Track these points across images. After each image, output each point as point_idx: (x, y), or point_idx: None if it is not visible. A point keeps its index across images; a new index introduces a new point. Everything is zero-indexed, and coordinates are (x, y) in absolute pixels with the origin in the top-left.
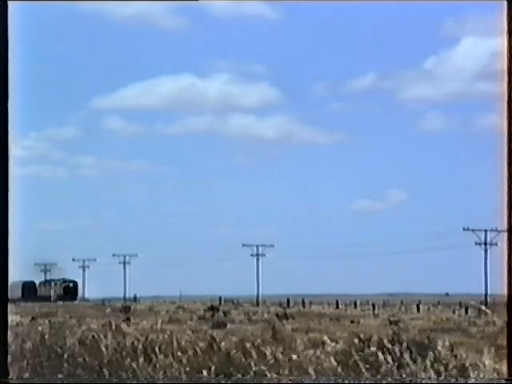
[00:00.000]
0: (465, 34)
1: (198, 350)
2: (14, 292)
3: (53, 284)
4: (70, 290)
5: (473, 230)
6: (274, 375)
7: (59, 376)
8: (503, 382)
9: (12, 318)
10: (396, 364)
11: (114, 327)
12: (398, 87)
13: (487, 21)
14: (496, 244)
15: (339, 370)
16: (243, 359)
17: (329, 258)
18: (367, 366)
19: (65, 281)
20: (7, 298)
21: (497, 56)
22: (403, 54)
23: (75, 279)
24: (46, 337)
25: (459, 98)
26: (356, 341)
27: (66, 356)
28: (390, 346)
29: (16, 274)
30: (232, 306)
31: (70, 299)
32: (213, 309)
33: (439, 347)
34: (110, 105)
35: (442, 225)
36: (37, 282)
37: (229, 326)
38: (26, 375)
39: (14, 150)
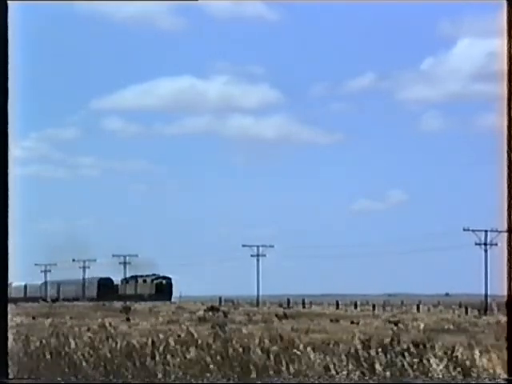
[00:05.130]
0: (461, 34)
1: None
2: (88, 290)
3: (140, 281)
4: (163, 288)
5: (473, 231)
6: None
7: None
8: (503, 382)
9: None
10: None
11: None
12: (396, 88)
13: (483, 21)
14: (496, 244)
15: None
16: None
17: (329, 258)
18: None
19: (157, 277)
20: (7, 298)
21: (493, 57)
22: (401, 55)
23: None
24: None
25: (457, 98)
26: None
27: None
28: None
29: (16, 275)
30: (232, 306)
31: (162, 298)
32: (213, 309)
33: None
34: (110, 105)
35: (441, 225)
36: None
37: (228, 326)
38: None
39: (14, 151)
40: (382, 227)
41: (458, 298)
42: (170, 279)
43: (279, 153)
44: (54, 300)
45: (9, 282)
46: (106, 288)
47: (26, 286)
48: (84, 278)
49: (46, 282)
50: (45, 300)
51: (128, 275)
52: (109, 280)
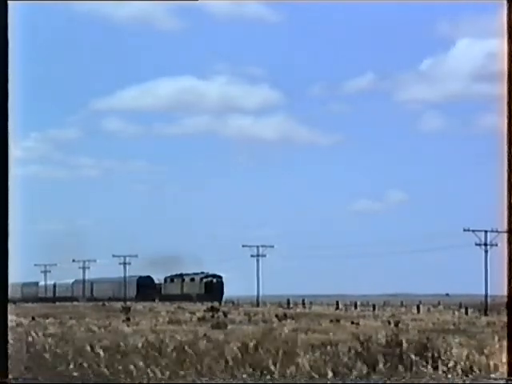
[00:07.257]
0: (461, 35)
1: None
2: (126, 290)
3: (187, 279)
4: (212, 287)
5: (473, 231)
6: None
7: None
8: (503, 382)
9: None
10: None
11: None
12: (396, 88)
13: (483, 21)
14: (496, 245)
15: None
16: None
17: (329, 258)
18: None
19: (206, 275)
20: (7, 298)
21: (493, 57)
22: (400, 56)
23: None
24: None
25: (457, 98)
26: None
27: None
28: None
29: (16, 275)
30: (232, 306)
31: (212, 299)
32: (213, 309)
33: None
34: (110, 106)
35: (442, 225)
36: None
37: (229, 326)
38: None
39: (14, 151)
40: (382, 227)
41: (458, 298)
42: (220, 278)
43: (279, 153)
44: (88, 300)
45: (35, 281)
46: (146, 288)
47: (54, 286)
48: (122, 277)
49: (76, 281)
50: (76, 299)
51: (171, 274)
52: (149, 279)
